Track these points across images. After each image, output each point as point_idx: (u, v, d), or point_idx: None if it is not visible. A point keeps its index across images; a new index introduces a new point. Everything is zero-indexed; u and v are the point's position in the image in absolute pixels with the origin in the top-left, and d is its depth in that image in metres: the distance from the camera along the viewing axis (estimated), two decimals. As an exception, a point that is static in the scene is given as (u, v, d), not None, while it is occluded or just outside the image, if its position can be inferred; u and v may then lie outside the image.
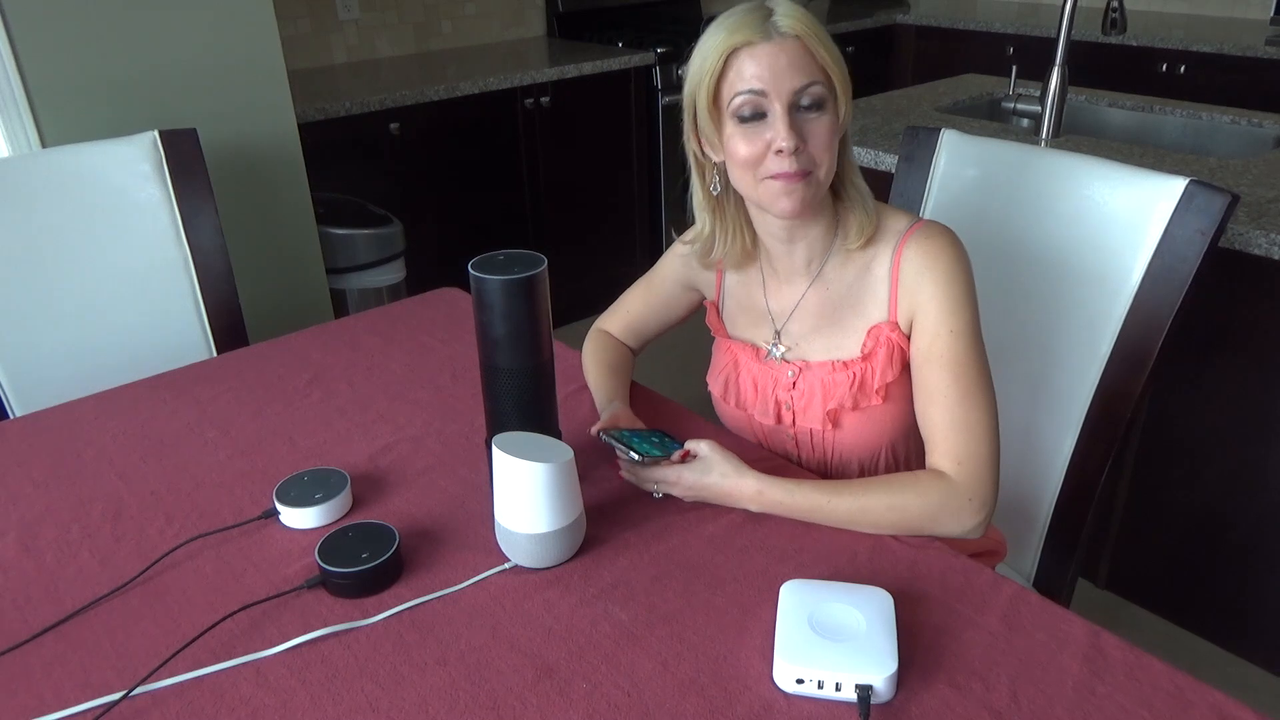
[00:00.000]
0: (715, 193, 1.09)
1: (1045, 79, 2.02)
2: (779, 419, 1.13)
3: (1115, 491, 1.95)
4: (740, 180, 1.03)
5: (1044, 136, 2.06)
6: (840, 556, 0.95)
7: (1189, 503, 1.86)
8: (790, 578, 0.89)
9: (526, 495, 0.90)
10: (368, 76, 2.99)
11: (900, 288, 1.04)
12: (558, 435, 1.05)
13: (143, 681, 0.81)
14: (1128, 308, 1.19)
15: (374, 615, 0.88)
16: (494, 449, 0.90)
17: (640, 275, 1.31)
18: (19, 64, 1.73)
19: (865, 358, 1.07)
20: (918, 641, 0.83)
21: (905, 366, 1.07)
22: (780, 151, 0.97)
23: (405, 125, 2.77)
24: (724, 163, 1.04)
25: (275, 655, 0.84)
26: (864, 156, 1.95)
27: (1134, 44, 3.23)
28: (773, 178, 0.99)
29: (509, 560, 0.94)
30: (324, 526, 1.01)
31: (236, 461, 1.15)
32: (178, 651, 0.84)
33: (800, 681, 0.77)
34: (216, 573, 0.95)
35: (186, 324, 1.66)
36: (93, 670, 0.83)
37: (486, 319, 0.97)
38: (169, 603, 0.91)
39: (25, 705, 0.80)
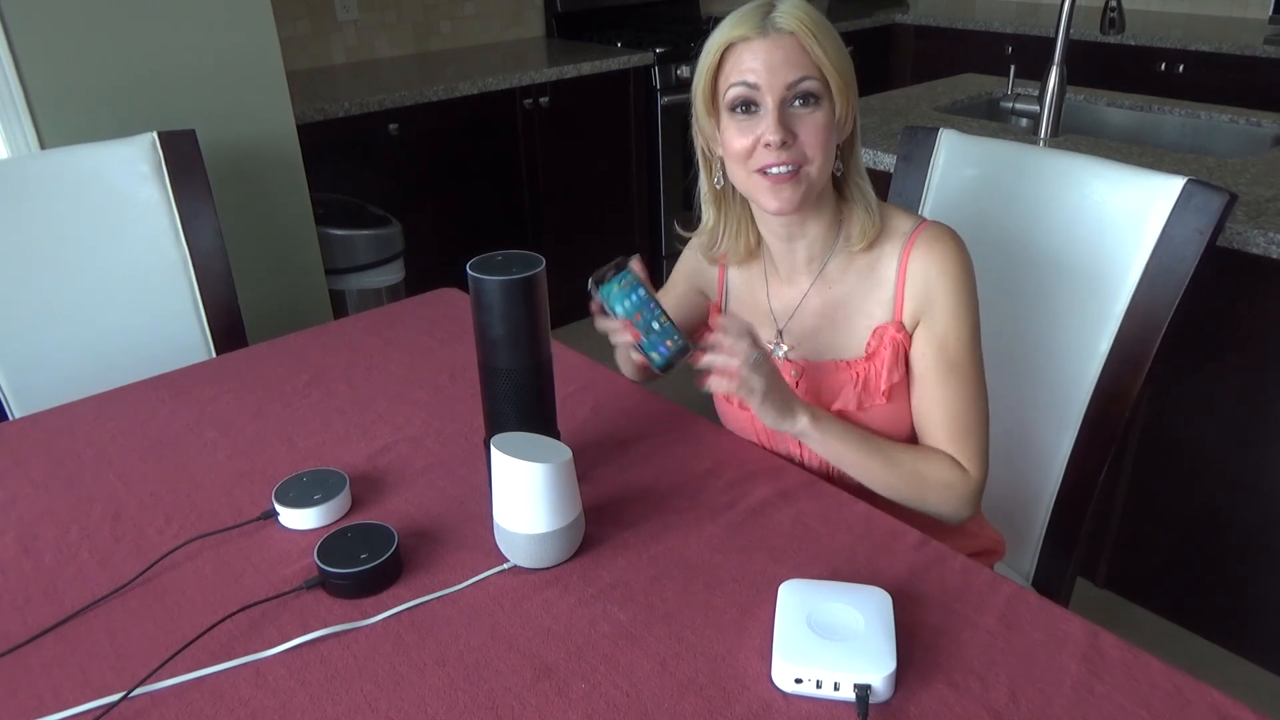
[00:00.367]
0: (719, 186, 1.10)
1: (1044, 78, 2.02)
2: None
3: (1114, 490, 1.95)
4: (734, 173, 1.04)
5: (1042, 136, 2.06)
6: (838, 556, 0.95)
7: (1188, 501, 1.86)
8: (788, 578, 0.89)
9: (525, 495, 0.90)
10: (367, 77, 2.99)
11: (907, 289, 1.05)
12: (556, 435, 1.05)
13: (142, 682, 0.81)
14: (1126, 306, 1.19)
15: (373, 616, 0.88)
16: (493, 449, 0.90)
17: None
18: (18, 65, 1.74)
19: (869, 358, 1.07)
20: (916, 641, 0.83)
21: (909, 367, 1.07)
22: (769, 145, 0.98)
23: (404, 126, 2.77)
24: (724, 155, 1.05)
25: (274, 656, 0.84)
26: (863, 156, 1.94)
27: (1132, 43, 3.24)
28: (761, 173, 1.00)
29: (508, 560, 0.94)
30: (323, 527, 1.01)
31: (236, 462, 1.15)
32: (177, 652, 0.84)
33: (799, 681, 0.77)
34: (216, 574, 0.95)
35: (186, 325, 1.66)
36: (92, 671, 0.83)
37: (485, 319, 0.97)
38: (168, 603, 0.91)
39: (25, 706, 0.80)
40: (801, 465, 1.15)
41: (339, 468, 1.10)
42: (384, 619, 0.88)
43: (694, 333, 1.25)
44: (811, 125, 0.99)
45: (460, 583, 0.92)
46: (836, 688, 0.77)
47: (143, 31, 1.85)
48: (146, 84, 1.88)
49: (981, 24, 3.65)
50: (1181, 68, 3.16)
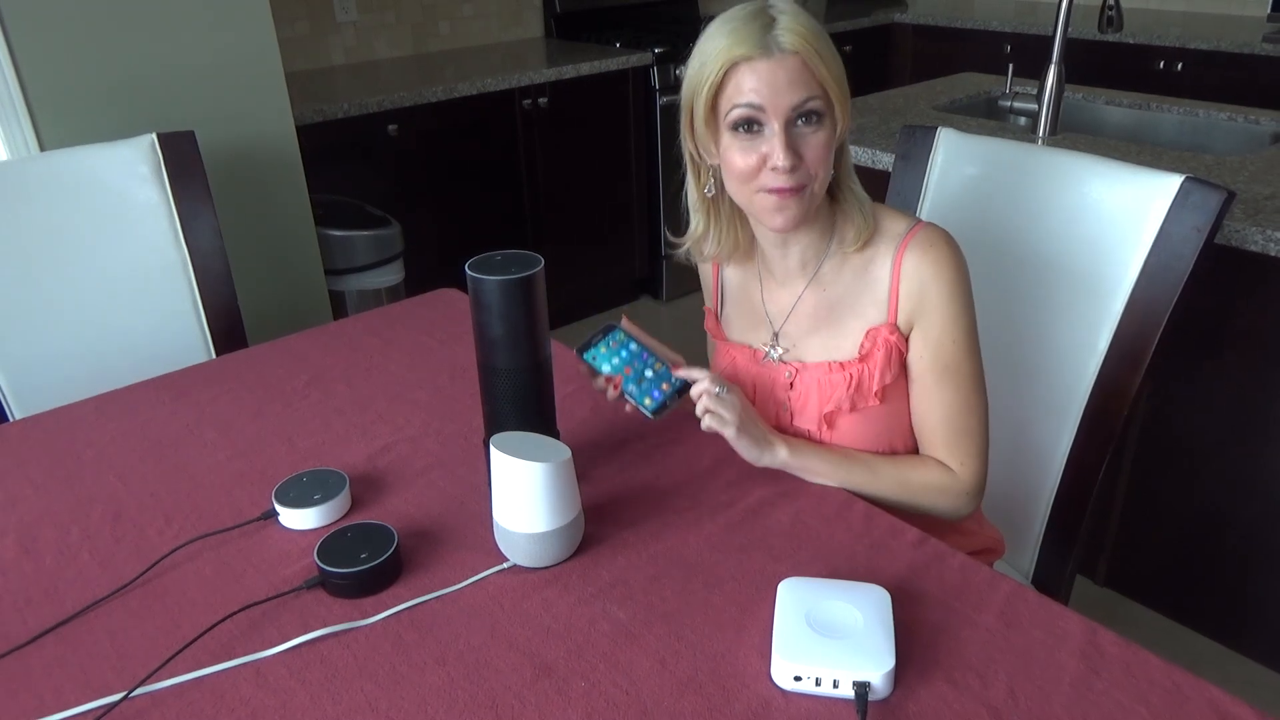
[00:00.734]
0: (709, 195, 1.09)
1: (1042, 77, 2.03)
2: (776, 420, 1.13)
3: (1114, 488, 1.95)
4: (736, 191, 1.04)
5: (1041, 134, 2.06)
6: (838, 555, 0.95)
7: (1187, 499, 1.86)
8: (788, 576, 0.89)
9: (525, 495, 0.90)
10: (366, 78, 2.99)
11: (902, 291, 1.05)
12: (556, 435, 1.05)
13: (142, 682, 0.81)
14: (1125, 304, 1.19)
15: (373, 615, 0.89)
16: (492, 449, 0.91)
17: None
18: (17, 67, 1.74)
19: (862, 359, 1.07)
20: (915, 638, 0.83)
21: (903, 368, 1.08)
22: (777, 169, 0.98)
23: (403, 126, 2.77)
24: (719, 166, 1.05)
25: (275, 656, 0.84)
26: (861, 155, 1.95)
27: (1131, 41, 3.24)
28: (768, 192, 1.00)
29: (507, 560, 0.95)
30: (323, 527, 1.02)
31: (235, 463, 1.15)
32: (177, 652, 0.84)
33: (798, 679, 0.78)
34: (216, 574, 0.96)
35: (185, 326, 1.66)
36: (93, 671, 0.84)
37: (484, 319, 0.98)
38: (168, 604, 0.92)
39: (25, 706, 0.80)
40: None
41: (339, 468, 1.11)
42: (384, 618, 0.88)
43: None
44: (815, 144, 0.99)
45: (460, 582, 0.93)
46: (836, 685, 0.77)
47: (142, 33, 1.85)
48: (146, 85, 1.88)
49: (980, 23, 3.65)
50: (1180, 66, 3.16)
